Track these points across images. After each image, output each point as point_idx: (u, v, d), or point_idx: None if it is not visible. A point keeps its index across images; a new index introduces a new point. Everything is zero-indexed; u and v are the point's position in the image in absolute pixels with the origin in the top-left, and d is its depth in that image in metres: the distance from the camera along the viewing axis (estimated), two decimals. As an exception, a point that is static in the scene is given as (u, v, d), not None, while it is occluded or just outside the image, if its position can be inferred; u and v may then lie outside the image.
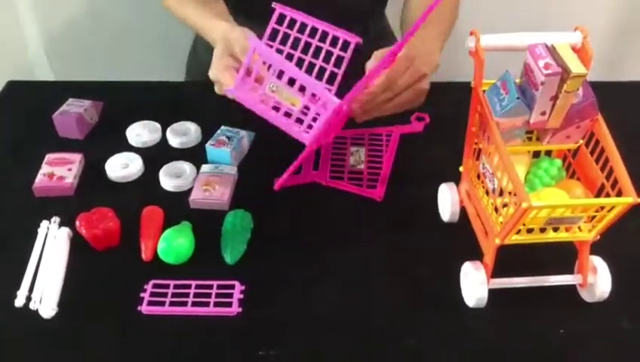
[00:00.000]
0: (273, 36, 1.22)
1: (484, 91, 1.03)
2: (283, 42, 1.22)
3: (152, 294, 1.06)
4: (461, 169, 1.16)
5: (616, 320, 1.05)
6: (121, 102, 1.50)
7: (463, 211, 1.17)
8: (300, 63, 1.20)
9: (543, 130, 1.02)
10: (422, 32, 1.18)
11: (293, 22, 1.21)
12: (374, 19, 1.57)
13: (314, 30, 1.21)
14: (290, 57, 1.22)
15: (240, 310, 1.04)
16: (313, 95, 1.05)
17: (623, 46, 2.13)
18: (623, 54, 2.14)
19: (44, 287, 1.07)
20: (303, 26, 1.21)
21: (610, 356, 1.01)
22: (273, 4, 1.18)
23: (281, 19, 1.21)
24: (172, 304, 1.05)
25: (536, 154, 1.09)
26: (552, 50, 0.94)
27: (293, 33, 1.21)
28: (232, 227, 1.16)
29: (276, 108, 1.10)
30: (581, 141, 1.04)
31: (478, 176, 1.09)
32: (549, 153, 1.09)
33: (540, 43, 0.95)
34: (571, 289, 1.08)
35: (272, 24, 1.19)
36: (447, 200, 1.18)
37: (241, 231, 1.15)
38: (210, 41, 1.32)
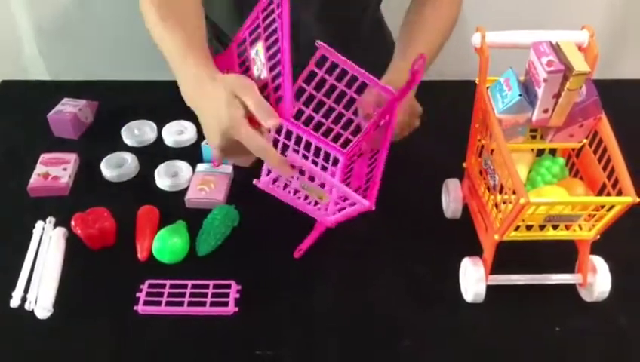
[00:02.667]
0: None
1: (487, 88, 1.02)
2: (318, 86, 1.08)
3: (148, 294, 1.05)
4: (464, 165, 1.16)
5: (613, 318, 1.05)
6: (116, 101, 1.50)
7: (466, 208, 1.17)
8: (330, 111, 1.11)
9: (545, 128, 1.02)
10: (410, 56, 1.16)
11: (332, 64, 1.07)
12: (364, 17, 1.56)
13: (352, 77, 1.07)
14: (321, 104, 1.10)
15: (236, 309, 1.04)
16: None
17: (621, 44, 2.13)
18: (621, 52, 2.14)
19: (39, 288, 1.06)
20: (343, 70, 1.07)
21: (607, 354, 1.01)
22: (317, 43, 1.10)
23: (322, 60, 1.06)
24: (168, 304, 1.04)
25: (541, 153, 1.09)
26: (555, 48, 0.94)
27: (330, 79, 1.07)
28: (212, 221, 1.16)
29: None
30: (585, 140, 1.04)
31: (481, 173, 1.08)
32: (553, 152, 1.09)
33: (545, 40, 0.95)
34: (569, 287, 1.08)
35: (312, 65, 1.05)
36: (450, 196, 1.18)
37: (219, 226, 1.15)
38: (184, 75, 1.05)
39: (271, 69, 0.96)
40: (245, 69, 1.03)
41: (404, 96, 1.07)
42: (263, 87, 0.97)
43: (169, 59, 1.07)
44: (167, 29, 1.08)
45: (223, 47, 1.56)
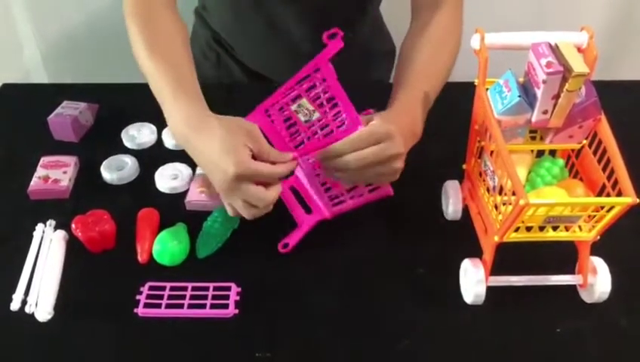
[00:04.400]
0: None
1: (487, 89, 1.02)
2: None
3: (148, 296, 1.05)
4: (464, 167, 1.16)
5: (613, 319, 1.05)
6: (116, 104, 1.49)
7: (466, 209, 1.17)
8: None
9: (545, 129, 1.02)
10: (405, 95, 1.13)
11: None
12: (362, 20, 1.55)
13: None
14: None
15: (236, 312, 1.04)
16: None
17: (620, 45, 2.13)
18: (620, 53, 2.14)
19: (39, 291, 1.06)
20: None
21: (608, 355, 1.01)
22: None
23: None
24: (168, 306, 1.04)
25: (541, 154, 1.09)
26: (554, 49, 0.94)
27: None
28: (212, 223, 1.16)
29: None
30: (584, 141, 1.04)
31: (480, 174, 1.08)
32: (553, 153, 1.09)
33: (544, 42, 0.95)
34: (570, 288, 1.08)
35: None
36: (450, 198, 1.18)
37: (220, 229, 1.15)
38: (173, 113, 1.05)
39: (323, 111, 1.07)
40: (289, 126, 1.11)
41: (327, 57, 1.03)
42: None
43: (157, 95, 1.08)
44: (156, 63, 1.09)
45: (223, 51, 1.56)
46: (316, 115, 1.07)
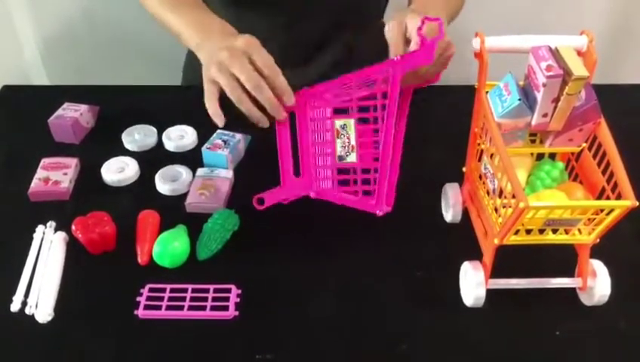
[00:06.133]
0: None
1: (487, 92, 1.03)
2: None
3: (149, 298, 1.05)
4: (464, 169, 1.16)
5: (613, 322, 1.05)
6: (117, 106, 1.50)
7: (466, 212, 1.17)
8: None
9: (545, 132, 1.02)
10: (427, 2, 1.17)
11: None
12: (372, 21, 1.56)
13: None
14: None
15: (236, 314, 1.04)
16: None
17: (619, 48, 2.14)
18: (619, 57, 2.14)
19: (40, 292, 1.06)
20: None
21: (607, 358, 1.01)
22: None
23: None
24: (168, 308, 1.04)
25: (541, 157, 1.09)
26: (554, 53, 0.94)
27: None
28: (212, 225, 1.16)
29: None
30: (584, 144, 1.04)
31: (480, 177, 1.08)
32: (553, 156, 1.09)
33: (544, 45, 0.95)
34: (569, 291, 1.08)
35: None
36: (450, 201, 1.18)
37: (220, 231, 1.15)
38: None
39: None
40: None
41: (408, 68, 1.03)
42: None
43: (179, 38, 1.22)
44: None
45: None
46: (353, 140, 1.12)
